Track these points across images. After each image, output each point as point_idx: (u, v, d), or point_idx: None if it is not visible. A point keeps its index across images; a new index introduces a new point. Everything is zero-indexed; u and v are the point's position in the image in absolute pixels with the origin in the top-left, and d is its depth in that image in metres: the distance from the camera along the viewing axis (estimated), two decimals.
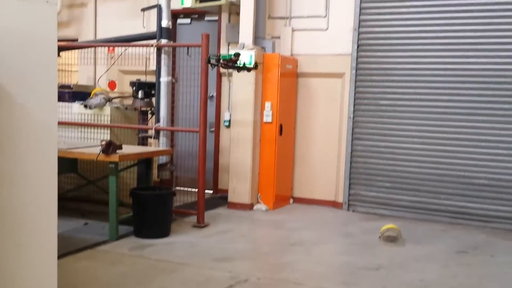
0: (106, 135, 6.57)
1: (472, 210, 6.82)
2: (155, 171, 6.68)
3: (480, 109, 6.75)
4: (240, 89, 7.23)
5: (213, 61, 4.09)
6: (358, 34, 7.31)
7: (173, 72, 6.86)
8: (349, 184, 7.54)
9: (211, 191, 8.20)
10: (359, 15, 7.27)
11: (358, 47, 7.33)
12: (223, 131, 8.14)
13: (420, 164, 7.10)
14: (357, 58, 7.35)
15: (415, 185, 7.14)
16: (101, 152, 5.40)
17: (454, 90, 6.87)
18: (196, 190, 6.38)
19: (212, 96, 8.14)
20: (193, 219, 6.39)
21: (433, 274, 4.83)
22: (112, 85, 8.45)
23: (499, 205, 6.69)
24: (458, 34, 6.80)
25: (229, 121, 7.72)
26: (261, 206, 7.33)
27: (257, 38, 7.32)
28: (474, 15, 6.71)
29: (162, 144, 6.61)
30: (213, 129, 8.15)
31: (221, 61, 4.64)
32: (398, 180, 7.25)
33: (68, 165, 6.21)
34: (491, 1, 6.60)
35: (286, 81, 7.45)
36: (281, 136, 7.37)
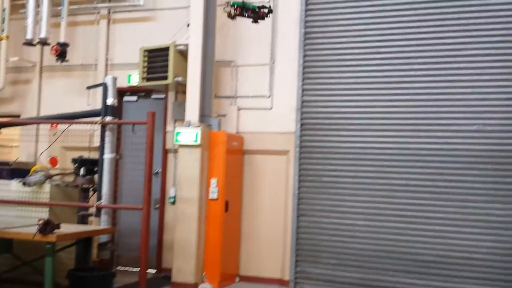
0: (44, 214, 6.32)
1: (418, 286, 6.86)
2: (95, 251, 6.43)
3: (423, 186, 6.93)
4: (186, 166, 7.22)
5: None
6: (301, 114, 7.55)
7: (118, 148, 6.81)
8: (296, 261, 7.48)
9: (154, 270, 7.93)
10: (302, 96, 7.54)
11: (301, 126, 7.55)
12: (168, 208, 8.01)
13: (365, 240, 7.16)
14: (300, 136, 7.54)
15: (361, 261, 7.16)
16: (37, 232, 5.18)
17: (395, 168, 7.08)
18: (138, 269, 6.15)
19: (157, 172, 8.07)
20: None
21: None
22: (53, 161, 8.25)
23: (445, 281, 6.75)
24: (397, 116, 7.11)
25: (174, 197, 7.64)
26: (206, 286, 7.11)
27: (204, 116, 7.42)
28: (413, 98, 7.06)
29: (103, 222, 6.42)
30: (158, 205, 8.02)
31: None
32: (344, 257, 7.25)
33: (2, 245, 5.90)
34: (430, 86, 7.00)
35: (232, 158, 7.51)
36: (227, 213, 7.32)
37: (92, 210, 6.39)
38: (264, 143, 7.73)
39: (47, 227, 5.22)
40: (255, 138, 7.76)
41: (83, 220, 6.71)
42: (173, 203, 7.75)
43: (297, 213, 7.51)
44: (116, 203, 7.08)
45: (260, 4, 3.73)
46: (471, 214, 6.71)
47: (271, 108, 7.73)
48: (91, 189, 6.94)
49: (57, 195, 6.54)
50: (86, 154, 7.06)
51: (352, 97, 7.35)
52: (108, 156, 6.48)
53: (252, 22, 3.65)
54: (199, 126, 7.13)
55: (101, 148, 6.53)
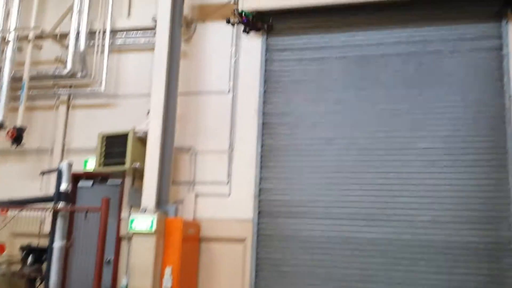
0: None
1: None
2: None
3: (374, 276, 6.94)
4: (139, 254, 6.98)
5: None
6: (259, 201, 7.57)
7: (69, 235, 6.58)
8: None
9: None
10: (260, 184, 7.61)
11: (259, 213, 7.54)
12: None
13: None
14: (258, 224, 7.51)
15: None
16: None
17: (349, 258, 7.09)
18: None
19: (109, 260, 7.78)
20: None
21: None
22: (0, 248, 7.87)
23: None
24: (354, 205, 7.22)
25: (126, 287, 7.32)
26: None
27: (160, 202, 7.33)
28: (365, 188, 7.23)
29: None
30: None
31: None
32: None
33: None
34: (382, 177, 7.21)
35: (188, 245, 7.35)
36: None
37: None
38: (222, 230, 7.63)
39: None
40: (212, 225, 7.66)
41: None
42: None
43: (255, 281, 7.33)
44: None
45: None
46: None
47: (229, 195, 7.72)
48: (38, 279, 6.60)
49: (0, 286, 6.18)
50: (35, 241, 6.78)
51: (307, 185, 7.47)
52: (58, 244, 6.24)
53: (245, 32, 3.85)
54: (155, 213, 7.01)
55: (51, 236, 6.31)
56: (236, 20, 7.84)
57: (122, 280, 7.63)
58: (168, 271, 7.03)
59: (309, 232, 7.34)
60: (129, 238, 7.59)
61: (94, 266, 6.07)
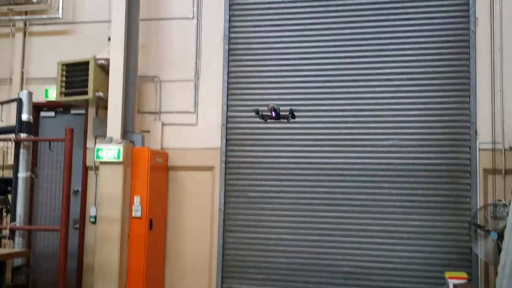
0: None
1: None
2: (9, 275, 6.05)
3: (341, 199, 7.17)
4: (107, 184, 6.98)
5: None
6: (226, 129, 7.57)
7: (33, 167, 6.49)
8: (222, 278, 7.43)
9: None
10: (226, 112, 7.58)
11: (226, 141, 7.56)
12: (89, 228, 7.71)
13: (290, 254, 7.26)
14: (226, 152, 7.55)
15: (285, 275, 7.24)
16: None
17: (316, 183, 7.26)
18: None
19: (77, 190, 7.77)
20: None
21: None
22: None
23: None
24: (320, 131, 7.31)
25: (95, 217, 7.36)
26: None
27: (126, 132, 7.24)
28: (332, 114, 7.30)
29: (17, 245, 6.07)
30: (77, 225, 7.70)
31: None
32: (269, 272, 7.30)
33: None
34: (348, 103, 7.26)
35: (156, 174, 7.37)
36: (151, 231, 7.15)
37: (6, 232, 6.02)
38: (189, 159, 7.66)
39: None
40: (180, 154, 7.67)
41: None
42: (94, 222, 7.46)
43: (223, 229, 7.49)
44: (32, 224, 6.71)
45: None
46: (388, 225, 7.00)
47: (196, 124, 7.68)
48: (4, 210, 6.54)
49: None
50: None
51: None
52: (22, 175, 6.16)
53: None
54: (121, 143, 6.95)
55: (15, 167, 6.20)
56: None
57: (91, 210, 7.67)
58: (137, 200, 7.08)
59: (275, 159, 7.43)
60: (96, 168, 7.56)
61: (61, 197, 6.02)
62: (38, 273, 7.24)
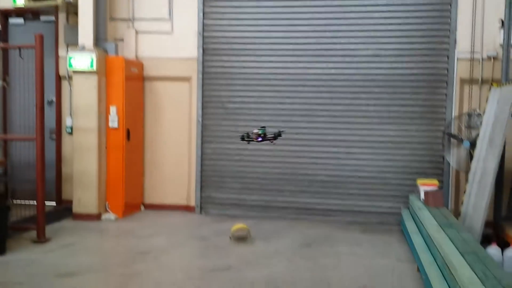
0: None
1: (314, 205, 7.25)
2: None
3: (319, 110, 7.20)
4: (82, 94, 6.86)
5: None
6: (203, 38, 7.37)
7: (4, 75, 6.28)
8: (201, 187, 7.56)
9: (54, 203, 7.66)
10: (203, 19, 7.34)
11: (203, 51, 7.39)
12: (66, 138, 7.66)
13: (267, 164, 7.37)
14: (203, 62, 7.41)
15: (262, 184, 7.39)
16: None
17: (295, 93, 7.24)
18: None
19: (52, 101, 7.62)
20: (33, 234, 5.91)
21: (279, 268, 5.03)
22: None
23: (339, 199, 7.20)
24: (299, 41, 7.17)
25: (71, 127, 7.28)
26: (109, 216, 7.03)
27: (99, 40, 7.01)
28: (311, 23, 7.13)
29: None
30: (54, 135, 7.63)
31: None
32: (247, 181, 7.44)
33: None
34: (326, 11, 7.09)
35: (132, 85, 7.24)
36: (129, 142, 7.15)
37: None
38: (166, 69, 7.51)
39: None
40: (156, 64, 7.50)
41: None
42: (71, 133, 7.40)
43: (201, 140, 7.52)
44: (7, 134, 6.61)
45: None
46: (365, 135, 7.10)
47: (171, 32, 7.46)
48: None
49: None
50: None
51: (253, 21, 7.28)
52: None
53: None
54: (93, 51, 6.74)
55: None
56: None
57: (67, 121, 7.58)
58: (113, 110, 7.00)
59: (254, 70, 7.33)
60: (70, 78, 7.38)
61: (35, 107, 5.89)
62: (17, 183, 7.24)
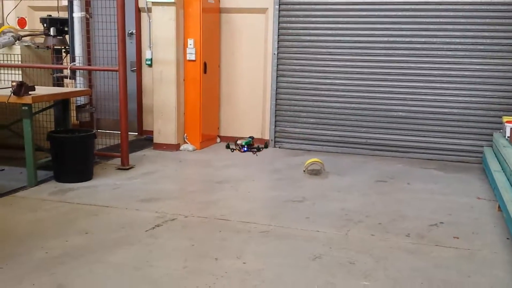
0: (17, 76, 6.16)
1: (390, 141, 7.11)
2: (73, 113, 6.38)
3: (398, 43, 6.91)
4: (161, 26, 6.95)
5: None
6: None
7: (87, 7, 6.45)
8: (275, 121, 7.60)
9: (135, 133, 8.01)
10: None
11: None
12: (146, 70, 7.87)
13: (342, 99, 7.25)
14: None
15: (338, 119, 7.32)
16: (12, 94, 5.06)
17: (374, 25, 6.97)
18: (119, 132, 6.16)
19: (131, 33, 7.80)
20: (117, 161, 6.24)
21: (354, 203, 5.03)
22: (21, 22, 7.86)
23: (416, 136, 7.01)
24: None
25: (151, 59, 7.45)
26: (187, 146, 7.26)
27: None
28: None
29: (79, 84, 6.29)
30: (134, 68, 7.86)
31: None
32: (322, 116, 7.39)
33: None
34: None
35: (209, 17, 7.23)
36: (205, 75, 7.23)
37: (67, 72, 6.22)
38: (242, 0, 7.41)
39: (21, 88, 5.09)
40: None
41: (58, 82, 6.55)
42: (150, 65, 7.58)
43: (277, 74, 7.47)
44: (90, 65, 6.86)
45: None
46: (448, 69, 6.77)
47: None
48: (63, 50, 6.69)
49: (28, 56, 6.31)
50: (54, 14, 6.69)
51: None
52: (77, 14, 6.15)
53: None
54: None
55: (69, 6, 6.18)
56: None
57: (146, 53, 7.75)
58: (190, 43, 7.07)
59: (333, 1, 7.09)
60: (149, 10, 7.47)
61: (116, 39, 6.03)
62: (101, 112, 7.59)
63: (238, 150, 3.52)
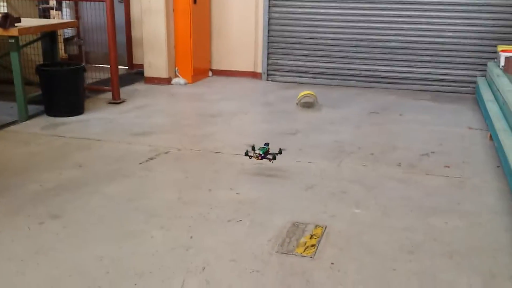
0: (2, 8, 5.96)
1: (384, 73, 7.05)
2: (62, 46, 6.25)
3: None
4: None
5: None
6: None
7: None
8: (268, 54, 7.48)
9: (126, 67, 7.88)
10: None
11: None
12: (134, 1, 7.63)
13: (336, 30, 7.12)
14: None
15: (331, 51, 7.21)
16: None
17: None
18: (109, 66, 6.05)
19: None
20: (108, 95, 6.18)
21: (347, 134, 5.05)
22: None
23: (409, 67, 6.95)
24: None
25: None
26: (179, 80, 7.18)
27: None
28: None
29: (66, 16, 6.13)
30: None
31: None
32: (315, 47, 7.27)
33: None
34: None
35: None
36: (195, 5, 7.03)
37: (53, 3, 6.02)
38: None
39: (7, 20, 4.94)
40: None
41: (44, 14, 6.36)
42: None
43: (269, 4, 7.28)
44: None
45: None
46: None
47: None
48: None
49: None
50: None
51: None
52: None
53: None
54: None
55: None
56: None
57: None
58: None
59: None
60: None
61: None
62: (89, 45, 7.43)
63: (256, 158, 3.63)
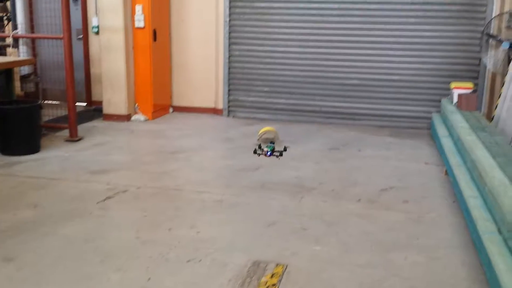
0: None
1: (344, 109, 7.18)
2: (18, 84, 6.12)
3: (352, 10, 6.91)
4: None
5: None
6: None
7: None
8: (228, 90, 7.53)
9: (84, 104, 7.76)
10: None
11: None
12: (93, 38, 7.59)
13: (296, 67, 7.24)
14: None
15: (291, 88, 7.31)
16: None
17: None
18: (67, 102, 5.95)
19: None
20: (66, 133, 6.05)
21: (307, 170, 5.07)
22: None
23: (369, 103, 7.10)
24: None
25: (98, 27, 7.18)
26: (139, 117, 7.12)
27: None
28: None
29: (22, 53, 6.02)
30: (81, 36, 7.56)
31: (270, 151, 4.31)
32: (276, 84, 7.36)
33: None
34: None
35: None
36: (155, 42, 7.05)
37: (9, 40, 5.93)
38: None
39: None
40: None
41: (0, 52, 6.25)
42: (97, 33, 7.31)
43: (229, 42, 7.36)
44: (33, 33, 6.56)
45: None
46: (400, 36, 6.84)
47: None
48: (5, 18, 6.36)
49: None
50: None
51: None
52: None
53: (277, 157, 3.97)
54: None
55: None
56: None
57: (93, 21, 7.46)
58: (138, 9, 6.88)
59: None
60: None
61: (59, 5, 5.77)
62: (46, 82, 7.31)
63: (264, 155, 3.78)
